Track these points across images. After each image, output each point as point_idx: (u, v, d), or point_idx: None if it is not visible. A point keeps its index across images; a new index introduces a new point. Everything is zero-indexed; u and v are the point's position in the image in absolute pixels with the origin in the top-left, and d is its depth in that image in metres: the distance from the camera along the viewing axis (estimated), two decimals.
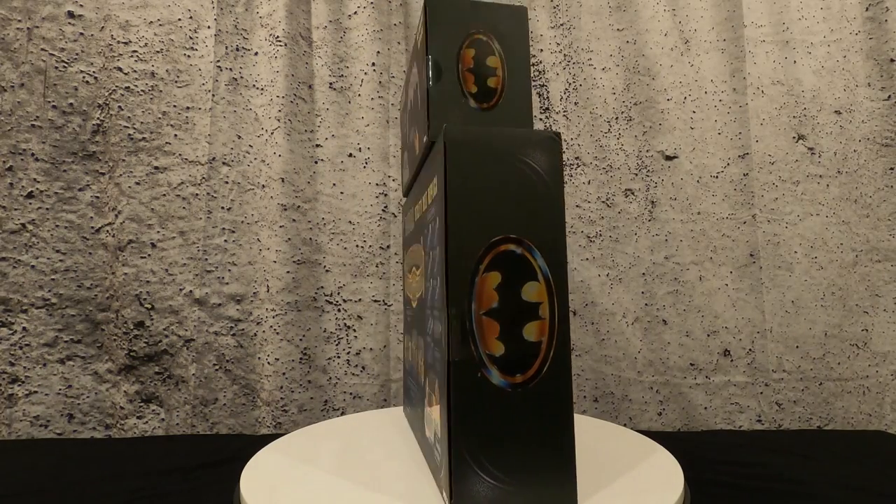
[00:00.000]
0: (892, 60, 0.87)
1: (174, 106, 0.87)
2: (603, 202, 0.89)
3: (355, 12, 0.92)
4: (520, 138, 0.38)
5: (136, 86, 0.86)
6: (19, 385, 0.80)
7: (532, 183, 0.37)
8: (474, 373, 0.35)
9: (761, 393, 0.84)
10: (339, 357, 0.87)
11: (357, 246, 0.89)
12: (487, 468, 0.34)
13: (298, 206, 0.88)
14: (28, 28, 0.83)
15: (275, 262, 0.86)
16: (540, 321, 0.36)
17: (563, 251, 0.38)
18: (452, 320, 0.35)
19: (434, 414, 0.40)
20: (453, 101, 0.43)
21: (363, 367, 0.87)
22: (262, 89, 0.89)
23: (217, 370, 0.84)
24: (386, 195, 0.90)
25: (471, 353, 0.35)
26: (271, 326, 0.85)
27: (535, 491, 0.35)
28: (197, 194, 0.86)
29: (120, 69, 0.85)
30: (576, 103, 0.91)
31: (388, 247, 0.90)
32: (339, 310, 0.88)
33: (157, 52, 0.87)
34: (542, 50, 0.92)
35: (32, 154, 0.82)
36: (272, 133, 0.88)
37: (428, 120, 0.41)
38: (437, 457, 0.38)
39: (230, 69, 0.89)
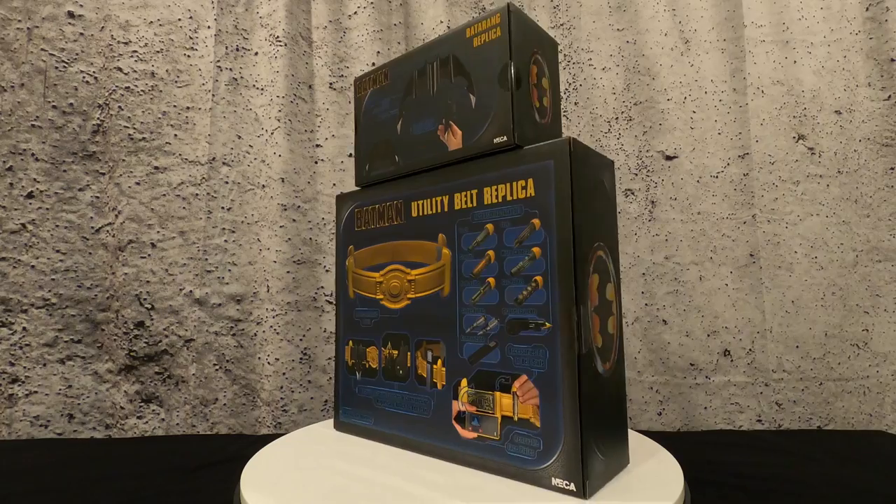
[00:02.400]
0: (892, 60, 0.87)
1: (174, 106, 0.87)
2: None
3: (355, 12, 0.92)
4: (600, 159, 0.43)
5: (136, 86, 0.86)
6: (19, 385, 0.80)
7: (605, 197, 0.44)
8: (591, 363, 0.39)
9: (761, 393, 0.84)
10: None
11: None
12: (600, 447, 0.39)
13: (298, 206, 0.88)
14: (28, 28, 0.83)
15: (275, 262, 0.86)
16: (614, 316, 0.43)
17: (618, 256, 0.45)
18: (583, 317, 0.38)
19: (506, 410, 0.41)
20: (527, 110, 0.45)
21: None
22: (262, 89, 0.89)
23: (217, 370, 0.84)
24: None
25: (591, 347, 0.39)
26: (271, 326, 0.85)
27: (612, 459, 0.41)
28: (197, 194, 0.86)
29: (120, 69, 0.85)
30: (576, 103, 0.91)
31: None
32: None
33: (157, 52, 0.87)
34: None
35: (32, 154, 0.82)
36: (272, 133, 0.88)
37: (513, 125, 0.43)
38: (527, 452, 0.40)
39: (230, 69, 0.89)
